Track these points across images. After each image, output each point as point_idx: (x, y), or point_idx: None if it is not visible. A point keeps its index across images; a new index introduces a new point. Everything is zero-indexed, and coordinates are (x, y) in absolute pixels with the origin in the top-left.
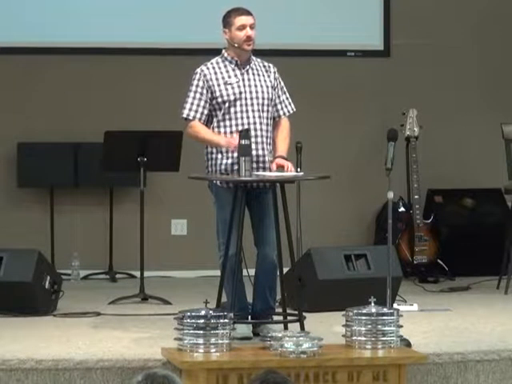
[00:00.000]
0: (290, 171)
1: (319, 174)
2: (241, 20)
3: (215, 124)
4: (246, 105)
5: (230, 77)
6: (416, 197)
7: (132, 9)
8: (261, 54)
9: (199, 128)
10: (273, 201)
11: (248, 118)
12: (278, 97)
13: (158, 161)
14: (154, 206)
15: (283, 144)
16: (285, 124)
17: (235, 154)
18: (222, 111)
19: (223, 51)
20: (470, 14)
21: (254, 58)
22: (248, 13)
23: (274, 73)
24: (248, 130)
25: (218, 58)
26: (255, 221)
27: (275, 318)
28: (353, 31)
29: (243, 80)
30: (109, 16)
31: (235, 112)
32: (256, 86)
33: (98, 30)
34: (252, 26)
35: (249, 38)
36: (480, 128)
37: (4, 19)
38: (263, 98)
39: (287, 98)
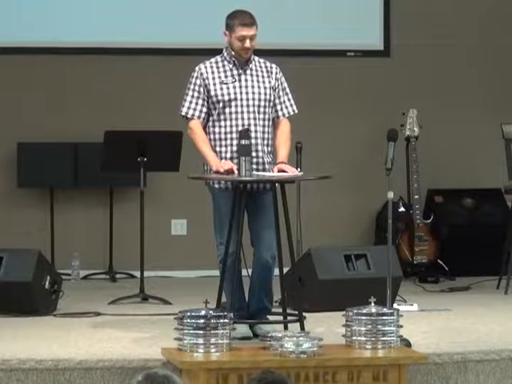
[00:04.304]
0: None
1: (319, 174)
2: (242, 31)
3: (211, 123)
4: (242, 106)
5: (226, 76)
6: (416, 197)
7: (132, 9)
8: (261, 54)
9: (198, 135)
10: (273, 201)
11: (243, 119)
12: (279, 97)
13: (158, 161)
14: (154, 206)
15: (284, 149)
16: (284, 126)
17: (234, 154)
18: (217, 111)
19: (224, 50)
20: (470, 13)
21: (256, 58)
22: (251, 23)
23: (276, 73)
24: (248, 130)
25: (218, 57)
26: (251, 221)
27: (275, 318)
28: (353, 31)
29: (240, 81)
30: (109, 16)
31: (230, 112)
32: (253, 86)
33: (98, 30)
34: (252, 38)
35: (246, 50)
36: (480, 128)
37: (4, 19)
38: (259, 100)
39: (289, 100)
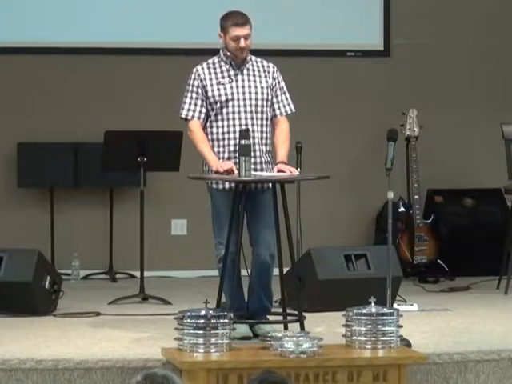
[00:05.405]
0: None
1: (319, 174)
2: (235, 31)
3: (208, 124)
4: (239, 106)
5: (223, 77)
6: (416, 197)
7: (132, 9)
8: (261, 54)
9: (198, 136)
10: (273, 201)
11: (240, 119)
12: (276, 96)
13: (158, 161)
14: (154, 206)
15: (283, 148)
16: (283, 125)
17: (232, 154)
18: (215, 111)
19: (220, 51)
20: (469, 13)
21: (253, 57)
22: (244, 23)
23: (273, 72)
24: (248, 130)
25: (215, 58)
26: (250, 220)
27: (275, 317)
28: (353, 31)
29: (236, 81)
30: (109, 16)
31: (227, 113)
32: (250, 86)
33: (98, 30)
34: (246, 37)
35: (242, 49)
36: (480, 128)
37: (4, 19)
38: (257, 99)
39: (286, 99)
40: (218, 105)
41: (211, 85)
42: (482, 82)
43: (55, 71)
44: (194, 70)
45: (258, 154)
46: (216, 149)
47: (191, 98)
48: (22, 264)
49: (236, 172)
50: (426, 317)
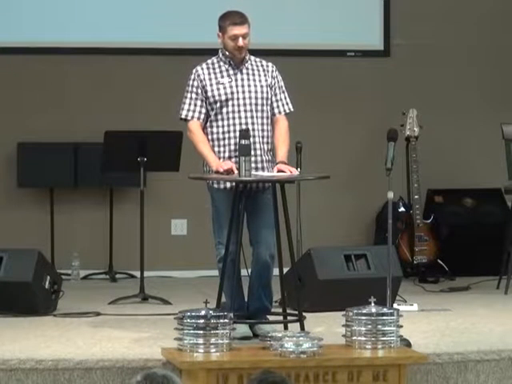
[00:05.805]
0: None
1: (319, 174)
2: (233, 30)
3: (208, 124)
4: (238, 105)
5: (222, 77)
6: (416, 197)
7: (132, 9)
8: (261, 54)
9: (197, 136)
10: (272, 201)
11: (240, 118)
12: (275, 95)
13: (158, 161)
14: (154, 205)
15: (283, 147)
16: (282, 124)
17: (233, 154)
18: (215, 111)
19: (219, 51)
20: (469, 13)
21: (251, 57)
22: (242, 22)
23: (272, 72)
24: (247, 130)
25: (214, 59)
26: (250, 220)
27: (275, 318)
28: (353, 31)
29: (236, 80)
30: (109, 16)
31: (227, 112)
32: (249, 85)
33: (98, 30)
34: (245, 36)
35: (240, 48)
36: (480, 128)
37: (4, 19)
38: (256, 98)
39: (285, 98)
40: (218, 104)
41: (211, 85)
42: (482, 82)
43: (55, 71)
44: (194, 71)
45: (258, 152)
46: (217, 148)
47: (191, 98)
48: (21, 264)
49: (236, 172)
50: (425, 317)
